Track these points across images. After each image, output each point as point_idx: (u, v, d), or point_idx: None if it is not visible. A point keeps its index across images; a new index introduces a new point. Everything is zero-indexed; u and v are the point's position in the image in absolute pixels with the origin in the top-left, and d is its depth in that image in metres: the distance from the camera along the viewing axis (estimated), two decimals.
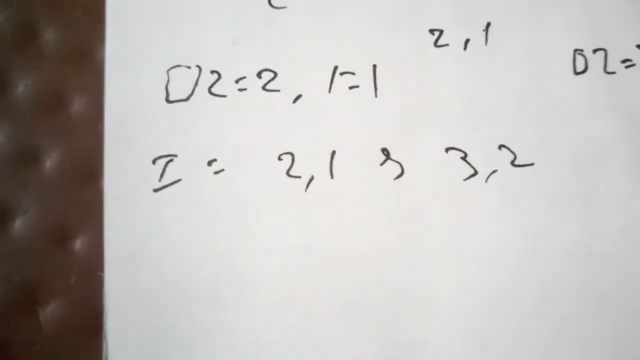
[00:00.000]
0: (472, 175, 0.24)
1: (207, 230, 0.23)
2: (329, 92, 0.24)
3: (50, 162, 0.24)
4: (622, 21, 0.24)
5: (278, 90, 0.24)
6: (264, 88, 0.24)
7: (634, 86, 0.24)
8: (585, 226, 0.24)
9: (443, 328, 0.23)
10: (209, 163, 0.23)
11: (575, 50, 0.24)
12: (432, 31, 0.24)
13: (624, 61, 0.24)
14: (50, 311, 0.23)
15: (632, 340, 0.23)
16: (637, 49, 0.24)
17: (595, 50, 0.24)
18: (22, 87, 0.24)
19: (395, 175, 0.23)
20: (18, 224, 0.23)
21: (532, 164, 0.24)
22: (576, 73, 0.24)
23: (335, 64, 0.24)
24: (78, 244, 0.23)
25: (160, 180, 0.23)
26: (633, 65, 0.24)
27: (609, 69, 0.24)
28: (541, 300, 0.23)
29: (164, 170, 0.23)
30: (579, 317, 0.23)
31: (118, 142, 0.23)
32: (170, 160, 0.23)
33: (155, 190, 0.23)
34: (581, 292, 0.23)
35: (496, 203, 0.24)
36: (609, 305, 0.23)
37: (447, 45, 0.24)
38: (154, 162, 0.23)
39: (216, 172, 0.23)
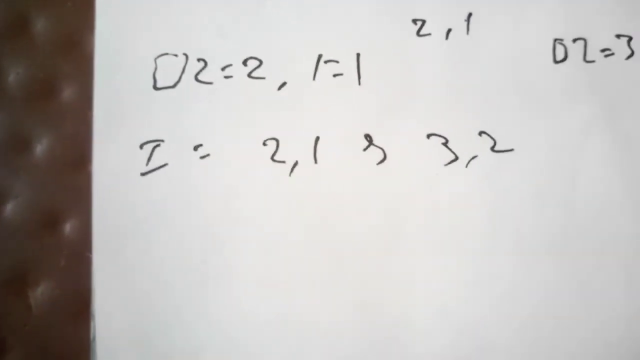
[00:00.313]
0: (452, 161, 0.24)
1: (193, 213, 0.23)
2: (314, 79, 0.24)
3: (40, 148, 0.24)
4: (601, 11, 0.25)
5: (263, 78, 0.24)
6: (249, 75, 0.24)
7: (613, 75, 0.25)
8: (563, 211, 0.24)
9: (424, 309, 0.23)
10: (195, 148, 0.24)
11: (555, 39, 0.25)
12: (414, 21, 0.24)
13: (603, 50, 0.25)
14: (40, 292, 0.23)
15: (608, 323, 0.24)
16: (616, 39, 0.25)
17: (575, 40, 0.25)
18: (13, 76, 0.24)
19: (377, 161, 0.24)
20: (9, 208, 0.24)
21: (511, 150, 0.24)
22: (556, 62, 0.25)
23: (320, 52, 0.24)
24: (67, 227, 0.23)
25: (147, 164, 0.23)
26: (612, 54, 0.25)
27: (588, 58, 0.25)
28: (520, 282, 0.24)
29: (151, 155, 0.23)
30: (558, 299, 0.24)
31: (106, 128, 0.23)
32: (157, 145, 0.23)
33: (143, 174, 0.23)
34: (559, 274, 0.24)
35: (476, 188, 0.24)
36: (584, 283, 0.24)
37: (430, 34, 0.24)
38: (141, 147, 0.23)
39: (202, 157, 0.24)
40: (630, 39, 0.25)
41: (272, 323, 0.23)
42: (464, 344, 0.23)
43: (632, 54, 0.25)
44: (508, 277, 0.24)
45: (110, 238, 0.23)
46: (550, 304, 0.23)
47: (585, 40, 0.25)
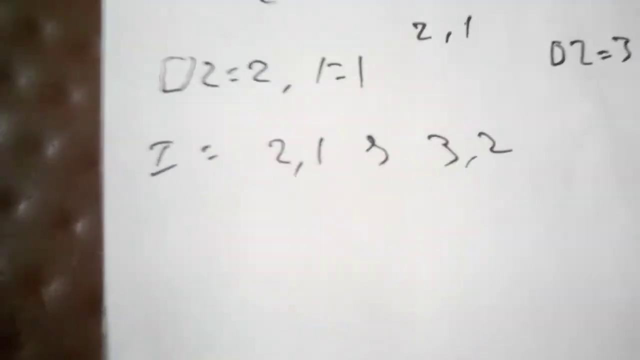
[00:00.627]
0: (453, 161, 0.24)
1: (201, 212, 0.24)
2: (317, 82, 0.24)
3: (52, 150, 0.24)
4: (598, 13, 0.25)
5: (268, 81, 0.24)
6: (255, 78, 0.24)
7: (610, 77, 0.25)
8: (560, 210, 0.25)
9: (424, 308, 0.24)
10: (203, 149, 0.24)
11: (553, 42, 0.25)
12: (415, 24, 0.25)
13: (600, 52, 0.25)
14: (53, 290, 0.24)
15: (607, 321, 0.24)
16: (613, 41, 0.25)
17: (572, 42, 0.25)
18: (24, 79, 0.25)
19: (380, 161, 0.24)
20: (22, 208, 0.24)
21: (510, 150, 0.25)
22: (554, 64, 0.25)
23: (323, 56, 0.25)
24: (79, 226, 0.24)
25: (157, 165, 0.24)
26: (609, 56, 0.25)
27: (585, 60, 0.25)
28: (516, 280, 0.24)
29: (160, 156, 0.24)
30: (553, 297, 0.24)
31: (116, 130, 0.24)
32: (167, 147, 0.24)
33: (153, 175, 0.24)
34: (555, 271, 0.24)
35: (476, 187, 0.24)
36: (582, 281, 0.24)
37: (430, 38, 0.25)
38: (151, 147, 0.24)
39: (210, 158, 0.24)
40: (627, 40, 0.25)
41: (277, 321, 0.24)
42: (464, 343, 0.24)
43: (629, 55, 0.25)
44: (505, 272, 0.24)
45: (121, 237, 0.23)
46: (548, 299, 0.24)
47: (582, 42, 0.25)
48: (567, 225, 0.24)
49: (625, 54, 0.25)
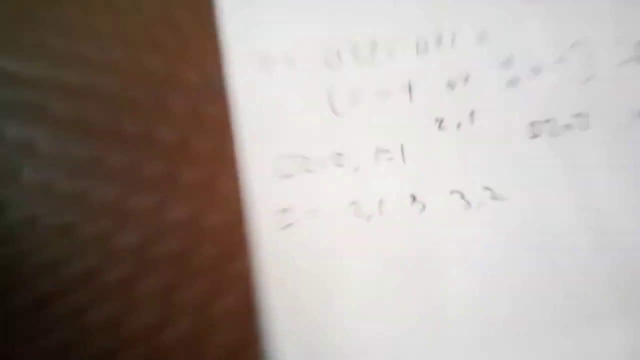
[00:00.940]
0: (468, 208, 0.30)
1: (314, 254, 0.30)
2: (375, 163, 0.31)
3: (211, 217, 0.31)
4: (563, 96, 0.31)
5: (344, 165, 0.31)
6: (335, 164, 0.31)
7: (574, 144, 0.30)
8: (538, 244, 0.30)
9: (455, 307, 0.29)
10: (309, 212, 0.31)
11: (530, 122, 0.31)
12: (436, 119, 0.31)
13: (565, 126, 0.31)
14: (214, 327, 0.29)
15: (603, 331, 0.28)
16: (575, 117, 0.30)
17: (545, 121, 0.31)
18: (185, 179, 0.31)
19: (419, 211, 0.30)
20: (195, 262, 0.31)
21: (507, 199, 0.30)
22: (531, 138, 0.31)
23: (378, 146, 0.31)
24: (235, 269, 0.30)
25: (283, 223, 0.31)
26: (572, 129, 0.30)
27: (554, 134, 0.30)
28: (522, 295, 0.29)
29: (284, 217, 0.31)
30: (553, 309, 0.29)
31: (254, 202, 0.31)
32: (287, 211, 0.31)
33: (281, 229, 0.30)
34: (541, 285, 0.29)
35: (485, 226, 0.30)
36: (576, 297, 0.29)
37: (446, 127, 0.31)
38: (277, 212, 0.31)
39: (313, 217, 0.31)
40: (587, 116, 0.30)
41: (373, 329, 0.30)
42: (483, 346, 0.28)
43: (588, 126, 0.30)
44: (512, 291, 0.29)
45: (270, 274, 0.30)
46: (548, 309, 0.29)
47: (552, 120, 0.30)
48: (543, 254, 0.29)
49: (585, 125, 0.30)
